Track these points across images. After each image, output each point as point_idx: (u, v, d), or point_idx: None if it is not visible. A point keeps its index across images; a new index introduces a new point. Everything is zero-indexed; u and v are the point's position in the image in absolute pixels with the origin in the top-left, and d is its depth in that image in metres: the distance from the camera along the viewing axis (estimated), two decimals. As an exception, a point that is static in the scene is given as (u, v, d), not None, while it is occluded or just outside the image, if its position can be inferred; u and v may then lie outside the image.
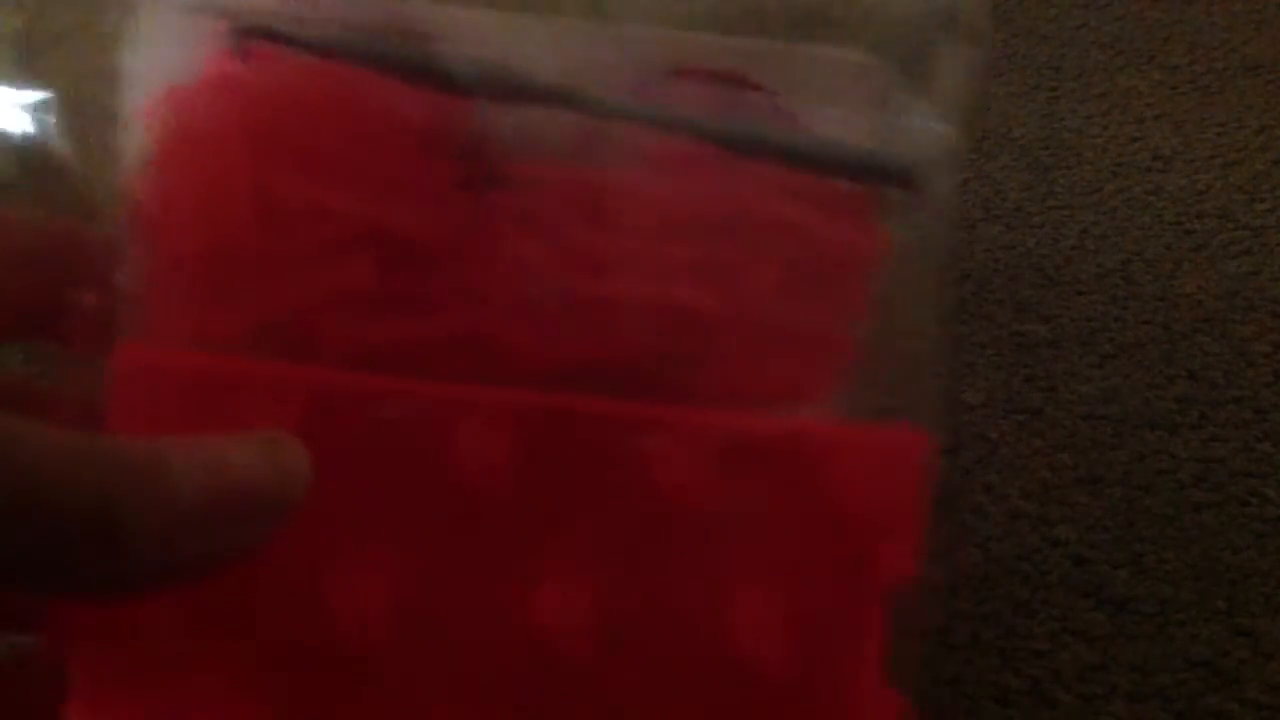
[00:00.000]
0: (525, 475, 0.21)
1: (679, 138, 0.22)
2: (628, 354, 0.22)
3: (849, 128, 0.23)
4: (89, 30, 0.22)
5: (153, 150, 0.21)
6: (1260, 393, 0.44)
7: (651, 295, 0.22)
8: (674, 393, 0.22)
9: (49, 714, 0.20)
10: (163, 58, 0.21)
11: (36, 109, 0.22)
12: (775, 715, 0.21)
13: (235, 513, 0.18)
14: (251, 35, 0.21)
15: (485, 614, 0.21)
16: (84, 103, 0.22)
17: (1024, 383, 0.44)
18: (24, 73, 0.22)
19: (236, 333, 0.21)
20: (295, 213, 0.21)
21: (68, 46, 0.22)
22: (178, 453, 0.18)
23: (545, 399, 0.21)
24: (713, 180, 0.22)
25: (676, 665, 0.21)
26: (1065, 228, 0.54)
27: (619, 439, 0.21)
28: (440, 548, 0.21)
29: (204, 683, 0.20)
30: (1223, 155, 0.59)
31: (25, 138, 0.22)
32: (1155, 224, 0.53)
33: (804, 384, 0.23)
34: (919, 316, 0.24)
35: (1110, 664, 0.33)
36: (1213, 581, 0.36)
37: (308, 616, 0.20)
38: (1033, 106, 0.64)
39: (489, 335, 0.22)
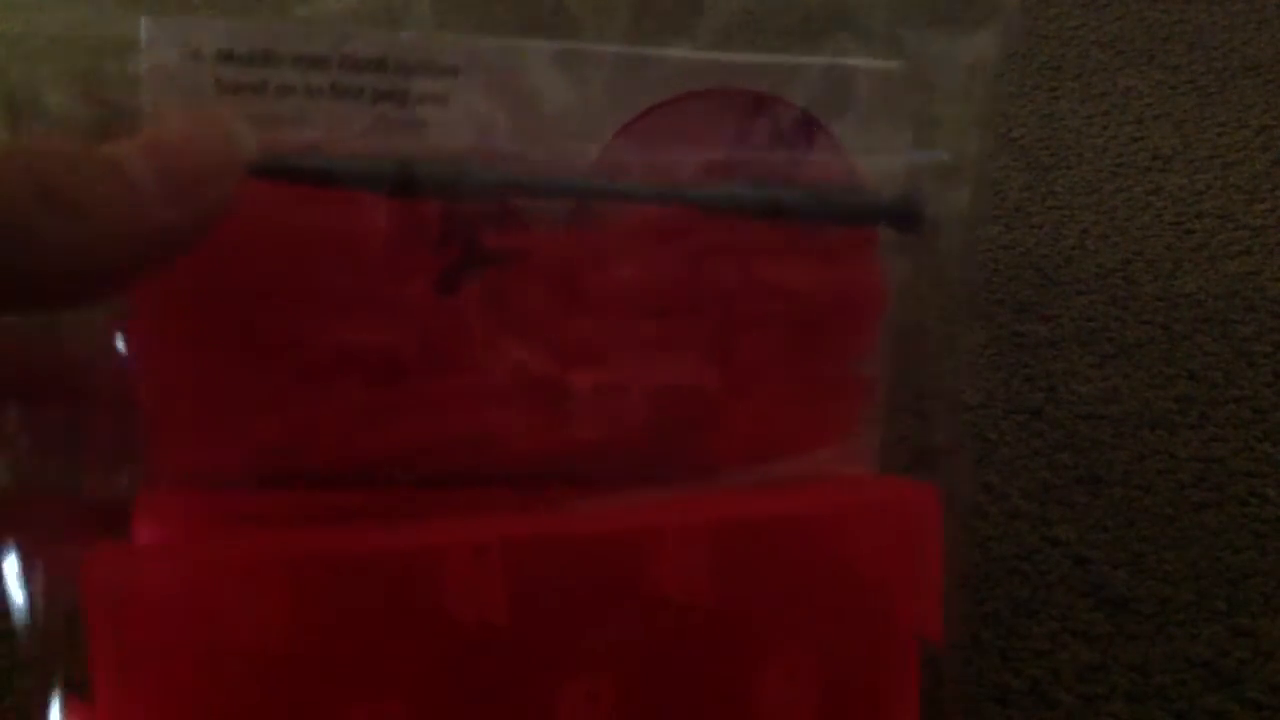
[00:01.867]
0: (527, 609, 0.20)
1: (666, 206, 0.22)
2: (627, 437, 0.22)
3: (879, 139, 0.23)
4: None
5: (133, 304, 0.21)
6: (1260, 393, 0.44)
7: (648, 376, 0.22)
8: (680, 466, 0.22)
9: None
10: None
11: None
12: None
13: (185, 180, 0.18)
14: None
15: None
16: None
17: (1024, 383, 0.44)
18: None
19: (235, 461, 0.21)
20: (278, 342, 0.21)
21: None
22: (109, 144, 0.18)
23: (533, 526, 0.21)
24: (702, 248, 0.22)
25: None
26: (1065, 228, 0.53)
27: (613, 556, 0.21)
28: (453, 696, 0.20)
29: None
30: (1223, 155, 0.59)
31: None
32: (1155, 224, 0.53)
33: (816, 433, 0.23)
34: (939, 345, 0.24)
35: (1110, 664, 0.33)
36: (1213, 581, 0.36)
37: None
38: (1033, 106, 0.64)
39: (484, 433, 0.22)
